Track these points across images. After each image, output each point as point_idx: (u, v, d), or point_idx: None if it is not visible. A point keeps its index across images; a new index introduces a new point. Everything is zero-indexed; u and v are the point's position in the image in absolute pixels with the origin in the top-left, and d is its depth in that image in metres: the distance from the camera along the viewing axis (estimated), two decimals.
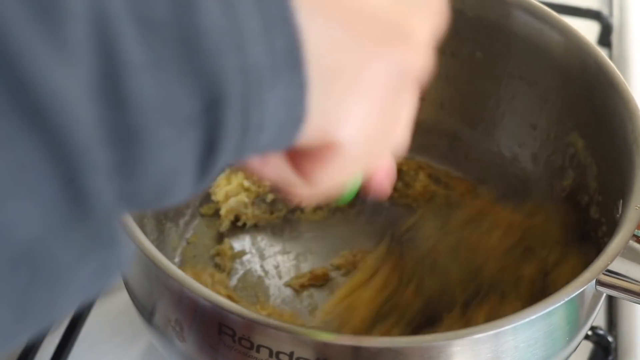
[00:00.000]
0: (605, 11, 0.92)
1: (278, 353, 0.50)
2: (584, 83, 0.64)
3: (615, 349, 0.68)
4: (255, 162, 0.37)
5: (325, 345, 0.49)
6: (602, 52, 0.63)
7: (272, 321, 0.49)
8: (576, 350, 0.58)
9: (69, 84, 0.25)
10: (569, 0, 0.91)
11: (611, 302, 0.71)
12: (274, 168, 0.37)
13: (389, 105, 0.35)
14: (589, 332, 0.66)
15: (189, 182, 0.30)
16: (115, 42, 0.26)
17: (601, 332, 0.68)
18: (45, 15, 0.24)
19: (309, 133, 0.33)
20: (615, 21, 0.92)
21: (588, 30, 0.62)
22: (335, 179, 0.36)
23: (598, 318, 0.68)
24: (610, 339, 0.68)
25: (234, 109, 0.29)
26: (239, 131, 0.30)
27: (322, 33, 0.32)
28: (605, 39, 0.90)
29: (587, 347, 0.68)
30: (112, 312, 0.69)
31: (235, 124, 0.29)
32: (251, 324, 0.50)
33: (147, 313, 0.56)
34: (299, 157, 0.36)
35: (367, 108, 0.34)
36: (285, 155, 0.37)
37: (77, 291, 0.28)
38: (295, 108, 0.31)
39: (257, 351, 0.50)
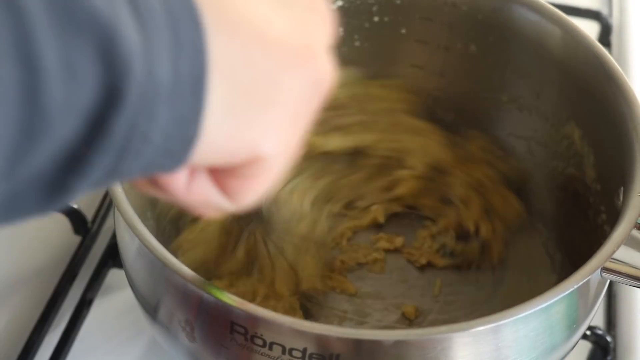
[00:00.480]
0: (604, 11, 0.92)
1: (291, 350, 0.50)
2: (580, 74, 0.64)
3: (614, 349, 0.67)
4: (179, 187, 0.37)
5: (339, 341, 0.50)
6: (599, 44, 0.63)
7: (286, 318, 0.49)
8: (575, 350, 0.57)
9: None
10: (568, 0, 0.90)
11: (610, 302, 0.70)
12: (199, 191, 0.38)
13: (303, 115, 0.37)
14: (588, 332, 0.66)
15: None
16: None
17: (600, 331, 0.67)
18: None
19: (229, 149, 0.35)
20: (614, 21, 0.92)
21: (587, 30, 0.62)
22: (260, 192, 0.38)
23: (597, 318, 0.67)
24: (609, 338, 0.67)
25: (124, 114, 0.30)
26: (123, 136, 0.31)
27: (237, 54, 0.34)
28: (604, 39, 0.89)
29: (586, 346, 0.67)
30: (112, 312, 0.69)
31: (122, 127, 0.31)
32: (264, 322, 0.50)
33: (151, 309, 0.56)
34: (223, 177, 0.37)
35: (286, 120, 0.36)
36: (210, 176, 0.38)
37: None
38: (187, 127, 0.33)
39: (270, 349, 0.50)
